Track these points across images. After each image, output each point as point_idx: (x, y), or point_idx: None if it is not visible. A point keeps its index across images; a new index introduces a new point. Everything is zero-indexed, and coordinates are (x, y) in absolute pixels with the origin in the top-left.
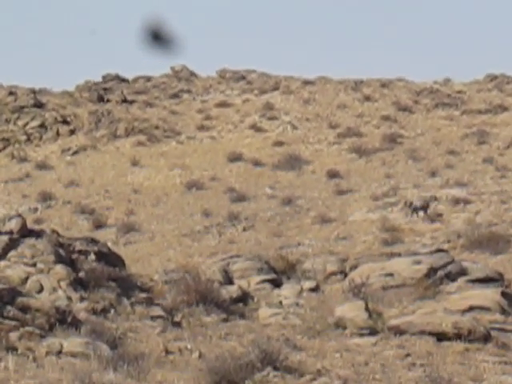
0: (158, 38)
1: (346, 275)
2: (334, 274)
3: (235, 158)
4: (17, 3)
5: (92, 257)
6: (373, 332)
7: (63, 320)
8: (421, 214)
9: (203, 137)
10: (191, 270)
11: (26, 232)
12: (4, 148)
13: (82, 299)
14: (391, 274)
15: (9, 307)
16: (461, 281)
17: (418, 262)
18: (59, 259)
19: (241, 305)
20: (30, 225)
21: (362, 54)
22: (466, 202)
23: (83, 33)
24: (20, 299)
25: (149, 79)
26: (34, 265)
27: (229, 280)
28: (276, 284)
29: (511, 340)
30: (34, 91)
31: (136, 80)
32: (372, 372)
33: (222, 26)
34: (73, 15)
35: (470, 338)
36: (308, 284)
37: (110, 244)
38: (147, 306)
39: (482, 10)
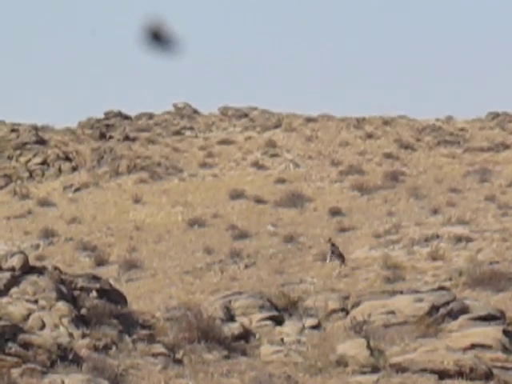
0: (157, 38)
1: (347, 313)
2: (335, 311)
3: (237, 195)
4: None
5: (94, 294)
6: (374, 370)
7: (65, 357)
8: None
9: (205, 174)
10: (193, 308)
11: (27, 269)
12: (6, 185)
13: (83, 336)
14: (393, 312)
15: (10, 344)
16: (462, 319)
17: (420, 300)
18: (61, 296)
19: (242, 342)
20: (31, 261)
21: (363, 92)
22: (468, 239)
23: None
24: (22, 336)
25: (151, 116)
26: (36, 301)
27: (230, 317)
28: (278, 321)
29: None
30: (36, 128)
31: (138, 117)
32: None
33: (224, 62)
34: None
35: (471, 375)
36: (310, 321)
37: (111, 281)
38: (149, 343)
39: (484, 49)
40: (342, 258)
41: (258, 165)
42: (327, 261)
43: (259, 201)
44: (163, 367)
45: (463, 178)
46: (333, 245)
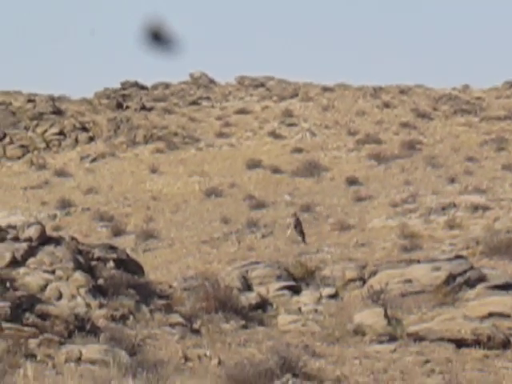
0: (157, 38)
1: (364, 282)
2: (353, 280)
3: (254, 164)
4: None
5: (111, 264)
6: (392, 339)
7: (82, 327)
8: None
9: (222, 144)
10: (210, 277)
11: (45, 239)
12: (23, 155)
13: (100, 306)
14: (410, 281)
15: (28, 314)
16: (480, 287)
17: (437, 269)
18: (78, 266)
19: (260, 312)
20: (48, 232)
21: (381, 61)
22: (485, 208)
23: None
24: (39, 306)
25: (167, 86)
26: (53, 272)
27: (248, 287)
28: (295, 291)
29: None
30: (52, 98)
31: (155, 87)
32: (391, 379)
33: (240, 33)
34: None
35: (489, 344)
36: (327, 291)
37: (128, 251)
38: (166, 313)
39: (501, 17)
40: (303, 235)
41: (274, 134)
42: (287, 234)
43: (276, 170)
44: (180, 337)
45: (480, 147)
46: (297, 219)
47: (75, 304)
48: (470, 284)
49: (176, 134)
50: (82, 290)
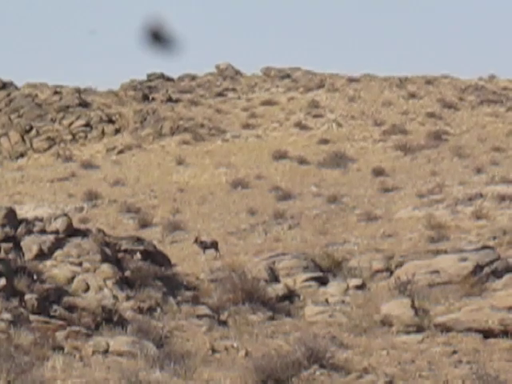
0: (158, 38)
1: (391, 273)
2: (379, 271)
3: (280, 156)
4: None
5: (138, 256)
6: (419, 329)
7: (109, 319)
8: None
9: (248, 135)
10: (237, 269)
11: (71, 231)
12: (49, 147)
13: (128, 298)
14: (437, 272)
15: (55, 306)
16: (507, 277)
17: (464, 259)
18: (105, 258)
19: (287, 303)
20: (75, 224)
21: (406, 51)
22: None
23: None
24: (66, 298)
25: (193, 78)
26: (80, 264)
27: (275, 278)
28: (322, 282)
29: None
30: (78, 90)
31: (181, 79)
32: (418, 369)
33: (267, 24)
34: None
35: None
36: (354, 282)
37: (155, 243)
38: (193, 305)
39: None
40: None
41: (300, 125)
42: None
43: (302, 161)
44: (208, 329)
45: (507, 137)
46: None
47: (102, 296)
48: (497, 274)
49: (202, 126)
50: (109, 282)
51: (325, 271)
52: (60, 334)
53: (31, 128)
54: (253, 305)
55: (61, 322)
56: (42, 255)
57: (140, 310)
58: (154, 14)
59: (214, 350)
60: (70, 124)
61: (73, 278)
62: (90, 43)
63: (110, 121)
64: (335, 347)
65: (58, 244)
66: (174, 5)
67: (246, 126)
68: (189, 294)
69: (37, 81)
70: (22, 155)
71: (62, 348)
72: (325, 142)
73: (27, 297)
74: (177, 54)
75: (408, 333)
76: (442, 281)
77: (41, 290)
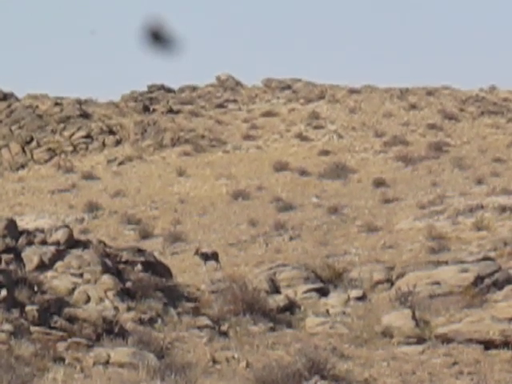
0: (158, 38)
1: (392, 284)
2: (380, 282)
3: (281, 167)
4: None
5: (139, 267)
6: (420, 340)
7: (110, 330)
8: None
9: (249, 146)
10: (238, 280)
11: (72, 242)
12: (50, 158)
13: (128, 309)
14: (438, 283)
15: (56, 318)
16: (508, 289)
17: (465, 271)
18: (106, 269)
19: (288, 314)
20: (76, 235)
21: (407, 63)
22: None
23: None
24: (67, 310)
25: (194, 89)
26: (81, 275)
27: (275, 289)
28: (323, 293)
29: None
30: (79, 102)
31: (182, 90)
32: (419, 381)
33: (267, 35)
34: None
35: None
36: (355, 293)
37: (156, 254)
38: (194, 316)
39: None
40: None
41: (301, 136)
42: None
43: (303, 172)
44: (209, 340)
45: (507, 148)
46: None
47: (103, 307)
48: (498, 285)
49: (203, 137)
50: (110, 293)
51: (325, 282)
52: (61, 346)
53: (32, 139)
54: (253, 316)
55: (61, 334)
56: (42, 266)
57: (141, 321)
58: (154, 14)
59: (214, 361)
60: (71, 135)
61: (73, 290)
62: (90, 48)
63: (111, 132)
64: (336, 358)
65: (59, 255)
66: (174, 15)
67: (247, 137)
68: (189, 305)
69: (37, 92)
70: (22, 166)
71: (62, 359)
72: (325, 153)
73: (28, 308)
74: (177, 54)
75: (409, 344)
76: (442, 292)
77: (41, 301)
